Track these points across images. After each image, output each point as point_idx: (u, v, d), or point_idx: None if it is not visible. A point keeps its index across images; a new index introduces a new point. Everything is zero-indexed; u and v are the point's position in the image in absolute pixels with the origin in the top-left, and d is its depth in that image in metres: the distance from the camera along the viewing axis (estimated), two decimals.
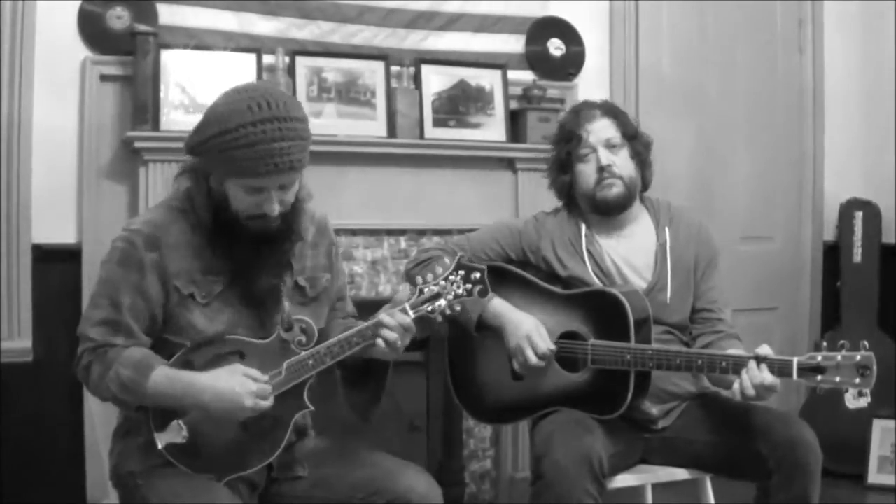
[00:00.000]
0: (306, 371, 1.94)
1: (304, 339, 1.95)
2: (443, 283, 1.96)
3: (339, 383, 2.16)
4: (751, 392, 2.09)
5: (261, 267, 1.96)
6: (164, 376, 1.88)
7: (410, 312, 1.97)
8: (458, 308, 1.98)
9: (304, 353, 1.94)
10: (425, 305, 1.96)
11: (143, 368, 1.87)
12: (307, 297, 2.07)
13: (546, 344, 2.31)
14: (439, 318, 1.98)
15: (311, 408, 2.00)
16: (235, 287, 1.97)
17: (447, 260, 2.00)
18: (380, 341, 1.95)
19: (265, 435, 1.95)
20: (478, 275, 1.97)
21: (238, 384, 1.86)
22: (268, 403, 1.88)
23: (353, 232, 3.40)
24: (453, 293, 1.96)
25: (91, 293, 1.98)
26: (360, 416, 2.14)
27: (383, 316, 1.97)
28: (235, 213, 1.92)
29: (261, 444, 1.96)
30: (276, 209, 1.90)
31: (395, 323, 1.96)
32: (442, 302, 1.96)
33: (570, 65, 3.79)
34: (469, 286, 1.97)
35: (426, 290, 1.97)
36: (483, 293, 1.98)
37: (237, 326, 1.97)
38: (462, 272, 1.97)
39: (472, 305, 2.08)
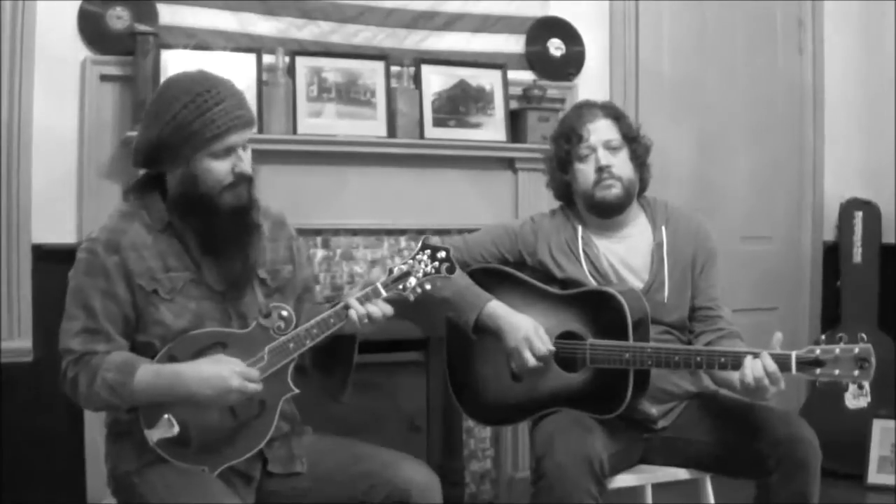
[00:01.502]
0: (287, 354, 1.99)
1: (282, 324, 2.00)
2: (411, 262, 2.05)
3: (310, 367, 2.19)
4: (750, 380, 2.09)
5: (234, 244, 2.02)
6: (149, 373, 1.91)
7: (383, 291, 2.04)
8: (428, 286, 2.06)
9: (284, 337, 1.99)
10: (396, 284, 2.04)
11: (128, 368, 1.91)
12: (270, 288, 2.12)
13: (545, 345, 2.31)
14: (411, 297, 2.06)
15: (297, 390, 2.03)
16: (197, 280, 2.02)
17: (412, 243, 2.05)
18: (352, 313, 1.99)
19: (254, 421, 1.99)
20: (443, 254, 2.06)
21: (223, 368, 1.91)
22: (257, 386, 1.93)
23: (353, 232, 3.40)
24: (422, 271, 2.05)
25: (65, 308, 2.00)
26: (332, 397, 2.18)
27: (356, 292, 2.04)
28: (209, 192, 1.98)
29: (250, 431, 1.99)
30: (248, 168, 2.00)
31: (374, 308, 2.01)
32: (412, 280, 2.04)
33: (570, 65, 3.79)
34: (436, 264, 2.05)
35: (396, 269, 2.05)
36: (450, 270, 2.06)
37: (204, 319, 2.01)
38: (428, 251, 2.06)
39: (444, 282, 2.14)
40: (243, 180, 2.00)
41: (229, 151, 1.97)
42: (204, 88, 1.96)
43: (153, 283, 1.98)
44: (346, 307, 2.00)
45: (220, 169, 1.97)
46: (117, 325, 1.97)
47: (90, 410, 2.03)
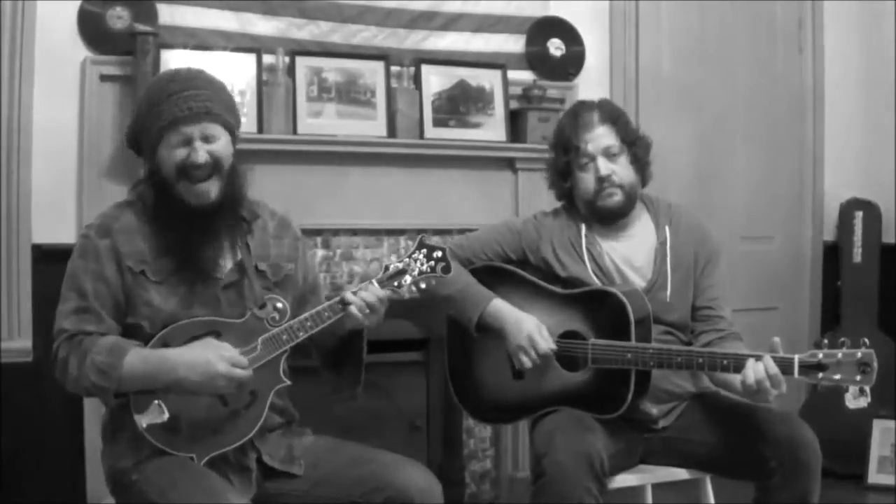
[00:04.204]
0: (280, 345, 2.01)
1: (277, 316, 2.03)
2: (407, 260, 2.06)
3: (320, 367, 2.21)
4: (751, 381, 2.08)
5: (201, 240, 2.04)
6: (138, 357, 1.94)
7: (378, 287, 2.05)
8: (423, 285, 2.07)
9: (277, 328, 2.01)
10: (391, 281, 2.05)
11: (118, 351, 1.93)
12: (269, 280, 2.13)
13: (548, 343, 2.31)
14: (406, 295, 2.08)
15: (288, 382, 2.04)
16: (187, 265, 2.04)
17: (409, 241, 2.07)
18: (352, 308, 2.00)
19: (244, 410, 2.01)
20: (439, 253, 2.07)
21: (210, 353, 1.93)
22: (245, 373, 1.95)
23: (353, 232, 3.40)
24: (418, 269, 2.06)
25: (61, 292, 2.04)
26: (344, 395, 2.20)
27: (352, 288, 2.05)
28: (167, 180, 2.01)
29: (240, 421, 2.01)
30: (201, 156, 2.00)
31: (367, 293, 2.03)
32: (407, 278, 2.06)
33: (570, 65, 3.79)
34: (432, 263, 2.07)
35: (392, 267, 2.07)
36: (445, 270, 2.07)
37: (192, 304, 2.03)
38: (424, 250, 2.07)
39: (439, 283, 2.14)
40: (200, 171, 2.01)
41: (185, 142, 2.00)
42: (165, 82, 2.03)
43: (141, 265, 2.01)
44: (342, 301, 2.02)
45: (175, 156, 2.01)
46: (107, 307, 2.00)
47: (79, 394, 2.05)
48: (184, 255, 2.03)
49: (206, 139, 2.02)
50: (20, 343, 3.01)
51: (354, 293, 2.02)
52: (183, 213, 2.03)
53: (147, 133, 2.03)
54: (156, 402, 1.94)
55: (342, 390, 2.20)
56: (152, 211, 2.06)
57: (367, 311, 2.02)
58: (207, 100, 2.02)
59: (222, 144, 2.05)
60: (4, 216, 3.00)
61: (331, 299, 2.06)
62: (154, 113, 2.00)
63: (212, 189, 2.03)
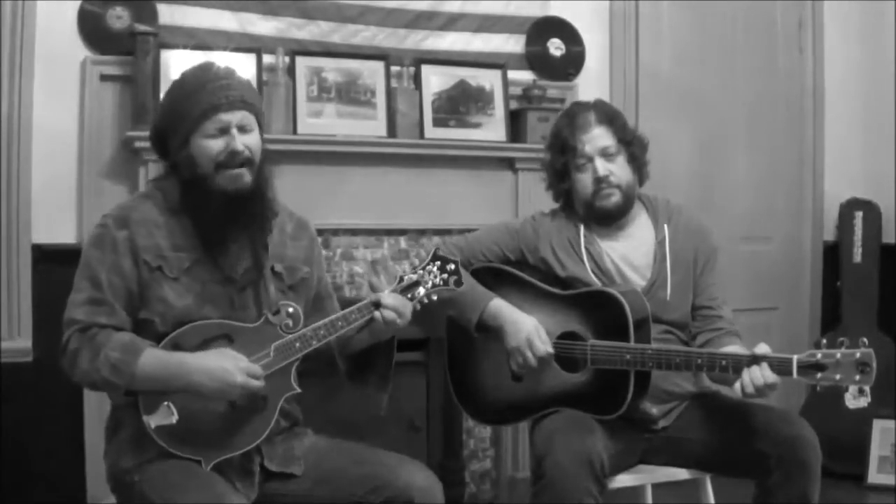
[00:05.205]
0: (293, 353, 2.00)
1: (290, 322, 2.02)
2: (421, 272, 2.07)
3: (344, 377, 2.20)
4: (751, 390, 2.09)
5: (232, 233, 2.03)
6: (154, 358, 1.92)
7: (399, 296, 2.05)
8: (435, 297, 2.08)
9: (291, 335, 2.00)
10: (406, 292, 2.05)
11: (133, 349, 1.91)
12: (284, 283, 2.12)
13: (545, 346, 2.31)
14: (418, 306, 2.08)
15: (299, 389, 2.04)
16: (205, 262, 2.03)
17: (423, 252, 2.06)
18: (386, 312, 2.01)
19: (253, 416, 1.99)
20: (452, 265, 2.09)
21: (228, 362, 1.92)
22: (259, 383, 1.94)
23: (353, 232, 3.40)
24: (431, 282, 2.07)
25: (74, 281, 2.02)
26: (373, 407, 2.19)
27: (373, 297, 2.04)
28: (204, 173, 2.00)
29: (249, 427, 1.99)
30: (240, 146, 2.00)
31: (390, 301, 2.02)
32: (421, 290, 2.07)
33: (570, 65, 3.79)
34: (445, 276, 2.08)
35: (406, 278, 2.07)
36: (458, 283, 2.09)
37: (207, 302, 2.01)
38: (438, 262, 2.08)
39: (451, 296, 2.15)
40: (237, 159, 2.00)
41: (223, 131, 2.00)
42: (199, 73, 2.03)
43: (158, 260, 2.00)
44: (375, 303, 2.01)
45: (212, 147, 2.00)
46: (121, 299, 1.98)
47: (86, 388, 2.04)
48: (211, 242, 2.02)
49: (242, 128, 2.02)
50: (20, 343, 3.01)
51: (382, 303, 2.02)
52: (218, 200, 2.01)
53: (181, 122, 2.00)
54: (165, 403, 1.93)
55: (367, 401, 2.19)
56: (178, 205, 2.04)
57: (396, 315, 2.01)
58: (244, 90, 2.04)
59: (255, 138, 2.05)
60: (4, 216, 3.00)
61: (353, 301, 2.05)
62: (192, 101, 1.99)
63: (245, 175, 2.03)
